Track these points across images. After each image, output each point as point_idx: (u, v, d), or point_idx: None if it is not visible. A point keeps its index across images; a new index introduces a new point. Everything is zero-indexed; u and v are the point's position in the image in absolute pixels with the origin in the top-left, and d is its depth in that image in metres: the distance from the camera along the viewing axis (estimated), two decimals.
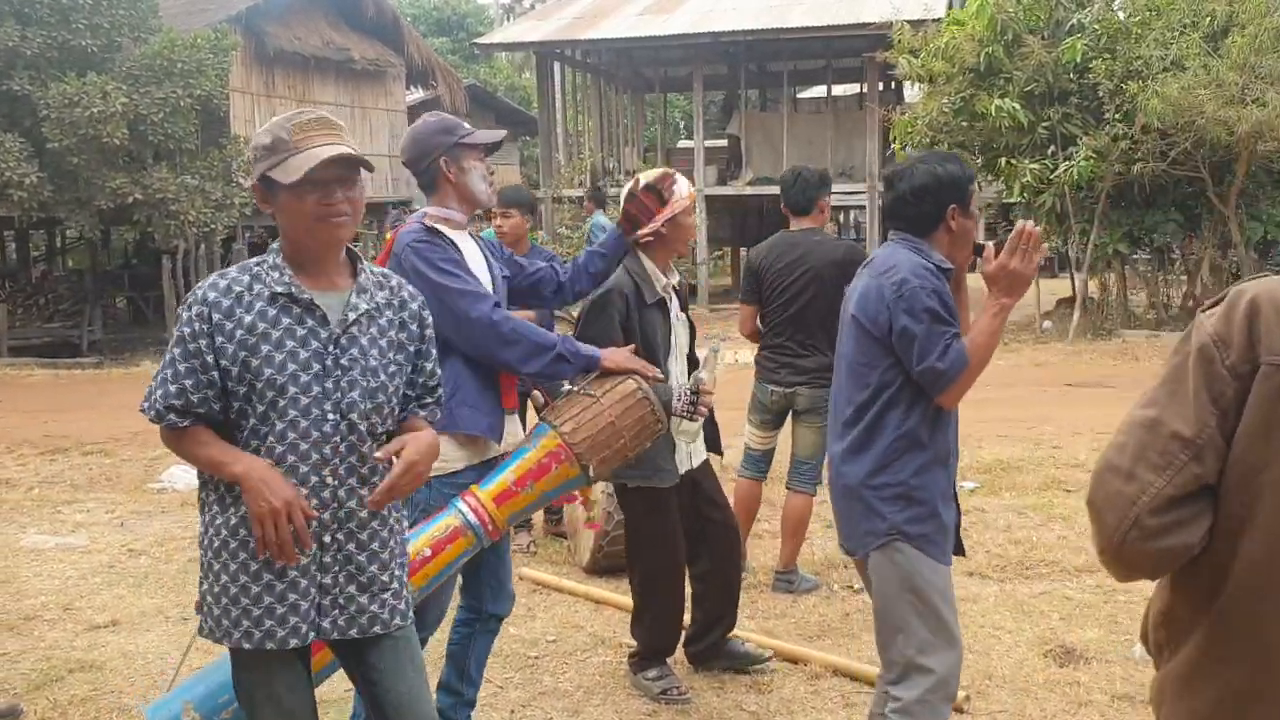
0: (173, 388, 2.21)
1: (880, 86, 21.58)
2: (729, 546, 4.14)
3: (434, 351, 2.47)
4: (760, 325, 5.01)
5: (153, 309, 20.62)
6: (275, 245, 2.34)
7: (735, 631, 4.23)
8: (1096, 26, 13.40)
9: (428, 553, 2.90)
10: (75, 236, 25.00)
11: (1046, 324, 15.25)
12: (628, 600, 4.63)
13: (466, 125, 3.23)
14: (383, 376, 2.31)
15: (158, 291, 20.96)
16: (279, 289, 2.25)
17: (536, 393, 3.86)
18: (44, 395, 11.96)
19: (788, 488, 5.05)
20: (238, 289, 2.25)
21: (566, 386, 3.20)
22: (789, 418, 5.00)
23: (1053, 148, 13.65)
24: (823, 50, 23.01)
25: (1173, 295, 15.09)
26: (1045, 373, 11.59)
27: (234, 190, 15.31)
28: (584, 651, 4.35)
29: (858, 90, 25.51)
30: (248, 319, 2.22)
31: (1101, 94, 13.21)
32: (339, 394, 2.26)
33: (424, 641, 3.34)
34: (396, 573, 2.40)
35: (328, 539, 2.28)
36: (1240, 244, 13.66)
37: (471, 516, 2.97)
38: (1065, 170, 13.13)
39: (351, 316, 2.29)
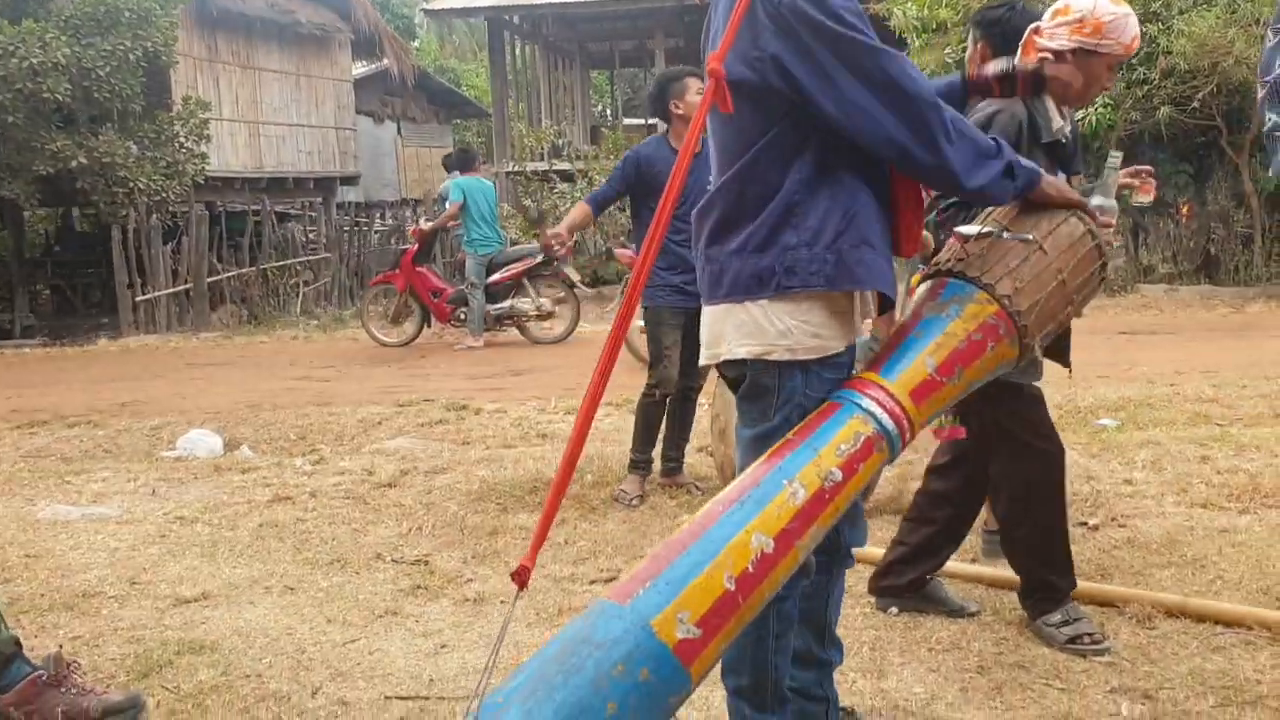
0: None
1: None
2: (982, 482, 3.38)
3: None
4: None
5: (81, 296, 19.05)
6: None
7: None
8: None
9: (838, 476, 1.97)
10: None
11: None
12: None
13: None
14: None
15: (86, 279, 19.47)
16: None
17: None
18: None
19: None
20: None
21: (971, 228, 2.29)
22: None
23: None
24: None
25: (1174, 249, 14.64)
26: (1088, 324, 11.01)
27: (184, 156, 14.00)
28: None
29: None
30: None
31: None
32: None
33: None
34: None
35: None
36: (1253, 195, 13.28)
37: (886, 420, 2.05)
38: (1080, 119, 12.59)
39: None
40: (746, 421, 2.25)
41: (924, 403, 2.11)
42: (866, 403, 2.07)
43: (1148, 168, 3.24)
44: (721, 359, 2.26)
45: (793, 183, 2.12)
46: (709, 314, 2.28)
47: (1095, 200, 2.64)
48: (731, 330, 2.20)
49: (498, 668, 1.92)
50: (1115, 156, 2.81)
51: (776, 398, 2.17)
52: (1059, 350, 3.13)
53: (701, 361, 2.36)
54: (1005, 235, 2.25)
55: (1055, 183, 2.27)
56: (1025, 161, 2.20)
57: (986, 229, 2.28)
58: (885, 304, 2.26)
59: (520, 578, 1.95)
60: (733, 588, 1.82)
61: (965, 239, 2.30)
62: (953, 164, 2.08)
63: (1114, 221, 2.66)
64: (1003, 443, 3.08)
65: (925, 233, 2.51)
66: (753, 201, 2.16)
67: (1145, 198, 3.23)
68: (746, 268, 2.16)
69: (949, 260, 2.29)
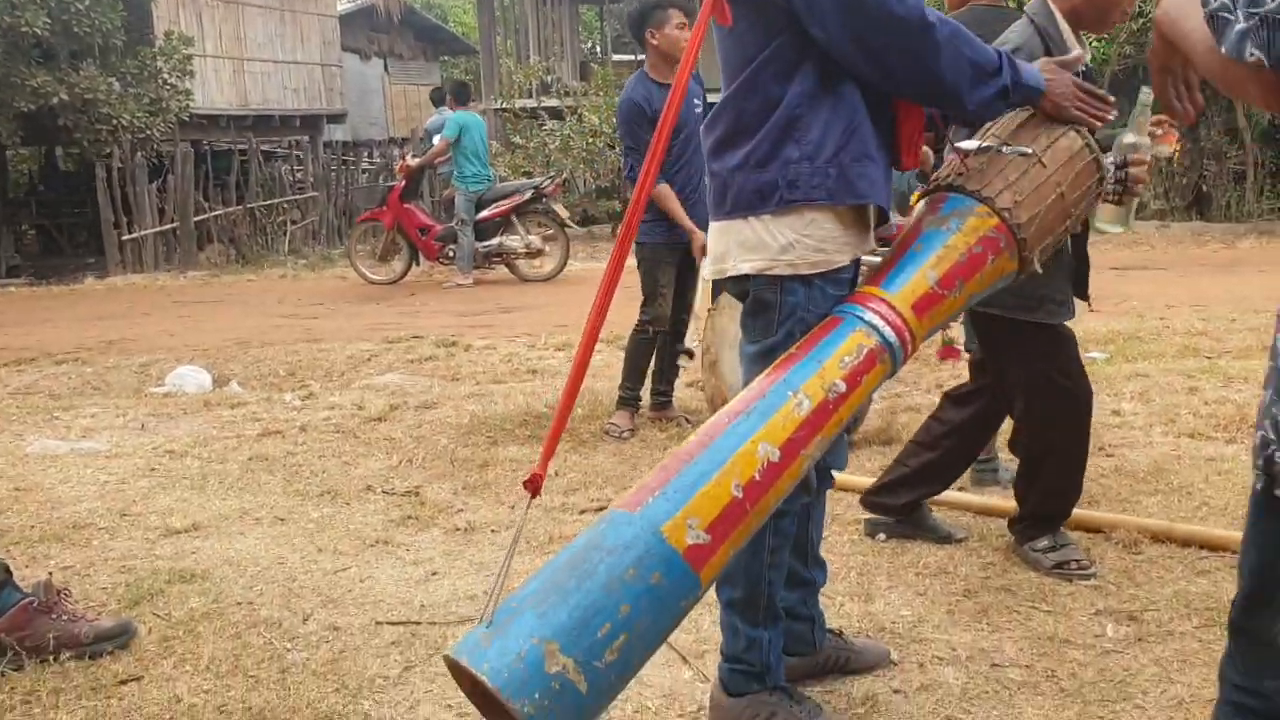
0: None
1: None
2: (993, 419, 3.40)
3: None
4: None
5: (66, 235, 18.86)
6: None
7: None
8: None
9: (842, 387, 1.97)
10: None
11: None
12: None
13: None
14: None
15: (71, 218, 19.26)
16: None
17: None
18: None
19: None
20: None
21: (971, 143, 2.26)
22: None
23: None
24: None
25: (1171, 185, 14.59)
26: None
27: (168, 92, 13.80)
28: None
29: None
30: None
31: None
32: None
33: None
34: None
35: None
36: (1246, 130, 13.21)
37: (889, 332, 2.03)
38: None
39: None
40: (750, 337, 2.25)
41: (925, 315, 2.10)
42: (869, 315, 2.06)
43: (1171, 119, 3.19)
44: (727, 275, 2.25)
45: (794, 96, 2.09)
46: (714, 229, 2.26)
47: (1127, 138, 2.59)
48: (735, 246, 2.20)
49: (485, 595, 1.92)
50: (1146, 92, 2.72)
51: (779, 313, 2.17)
52: (1081, 286, 3.12)
53: (706, 276, 2.34)
54: (1004, 150, 2.23)
55: (1060, 91, 2.23)
56: (1029, 76, 2.17)
57: (985, 144, 2.26)
58: (881, 217, 2.25)
59: (533, 485, 1.95)
60: (740, 495, 1.83)
61: (964, 154, 2.28)
62: (946, 88, 2.06)
63: (1148, 158, 2.61)
64: (1033, 381, 3.05)
65: (925, 148, 2.47)
66: (754, 115, 2.13)
67: (1166, 147, 3.13)
68: (749, 183, 2.14)
69: (948, 175, 2.28)
